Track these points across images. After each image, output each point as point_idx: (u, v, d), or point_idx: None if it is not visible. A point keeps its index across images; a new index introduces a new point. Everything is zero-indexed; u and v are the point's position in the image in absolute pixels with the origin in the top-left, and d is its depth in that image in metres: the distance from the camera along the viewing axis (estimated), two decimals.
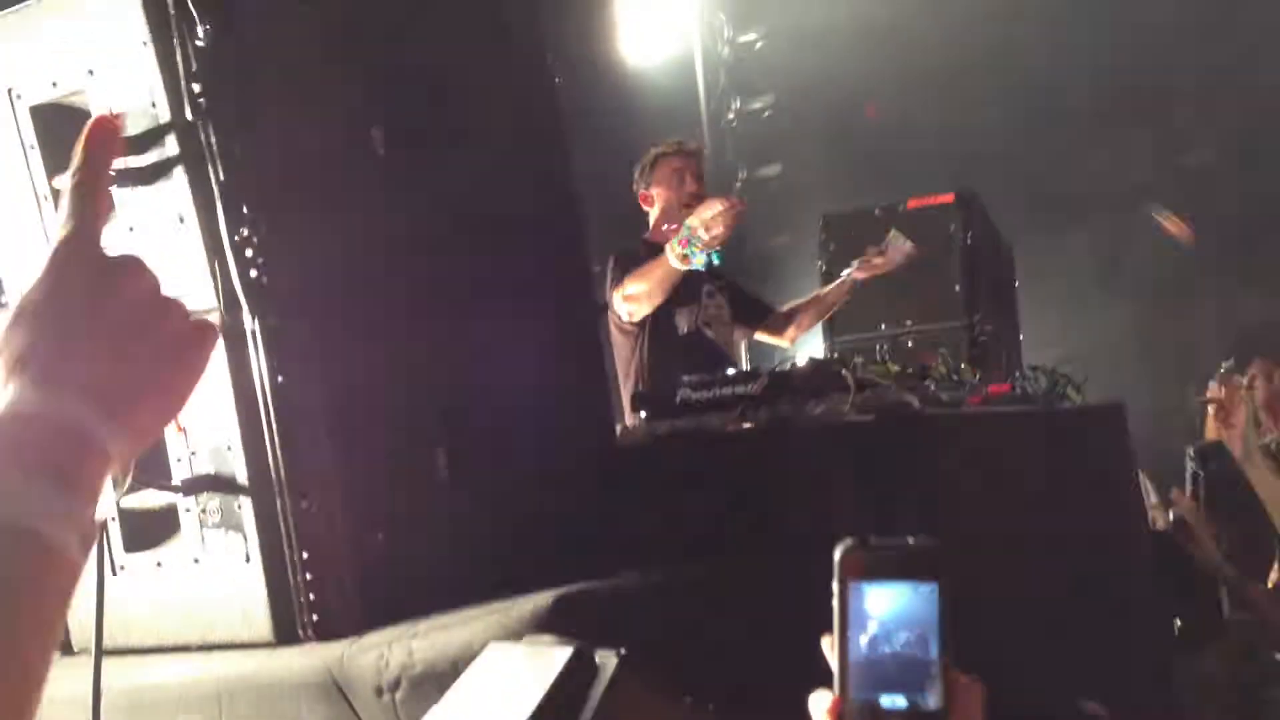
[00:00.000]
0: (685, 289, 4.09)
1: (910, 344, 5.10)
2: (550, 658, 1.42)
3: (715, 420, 2.64)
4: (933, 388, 3.00)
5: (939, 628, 0.79)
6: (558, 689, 1.37)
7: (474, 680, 1.48)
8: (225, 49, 1.74)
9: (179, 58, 1.73)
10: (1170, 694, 3.86)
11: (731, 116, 7.40)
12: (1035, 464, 3.10)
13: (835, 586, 0.80)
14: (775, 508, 2.09)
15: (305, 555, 1.75)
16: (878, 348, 4.73)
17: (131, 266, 0.69)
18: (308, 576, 1.76)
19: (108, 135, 0.73)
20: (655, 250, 4.03)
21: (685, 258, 3.78)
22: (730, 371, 3.51)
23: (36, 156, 1.87)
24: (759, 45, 7.38)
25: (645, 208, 4.29)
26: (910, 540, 0.81)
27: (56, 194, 1.87)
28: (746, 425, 2.55)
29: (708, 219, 3.77)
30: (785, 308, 4.62)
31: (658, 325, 4.01)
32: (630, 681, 1.43)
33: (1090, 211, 7.04)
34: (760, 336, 4.56)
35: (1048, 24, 6.78)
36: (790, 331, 4.52)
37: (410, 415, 1.93)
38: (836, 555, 0.81)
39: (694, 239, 3.77)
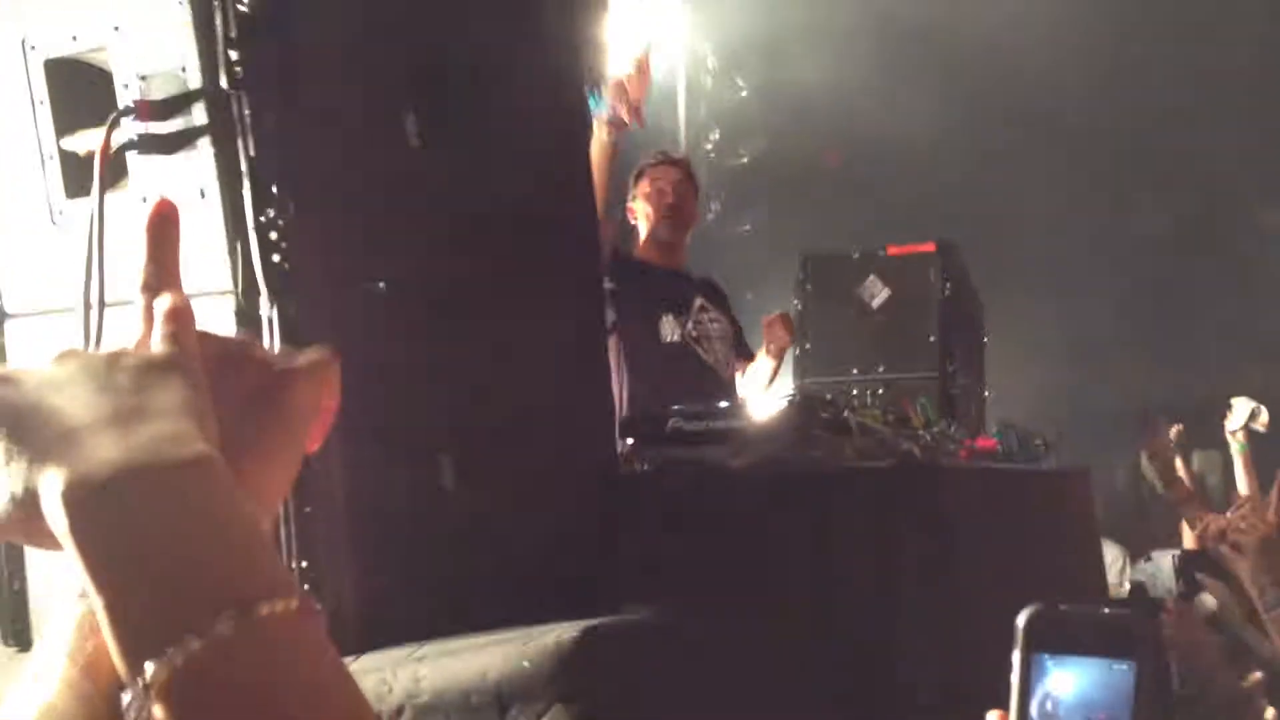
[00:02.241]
0: (670, 293, 3.91)
1: (881, 390, 5.06)
2: None
3: (712, 453, 2.56)
4: (927, 438, 2.96)
5: (1131, 711, 0.70)
6: None
7: None
8: (267, 16, 1.63)
9: (218, 21, 1.62)
10: None
11: (710, 147, 7.36)
12: (1022, 517, 3.07)
13: (1016, 656, 0.71)
14: (788, 548, 2.01)
15: (304, 564, 1.63)
16: (853, 392, 4.68)
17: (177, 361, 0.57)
18: (304, 587, 1.64)
19: (170, 223, 0.62)
20: (644, 267, 3.89)
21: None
22: (723, 404, 3.43)
23: (46, 113, 1.75)
24: (742, 86, 7.37)
25: (631, 221, 4.08)
26: (1106, 610, 0.71)
27: (64, 155, 1.75)
28: (745, 462, 2.48)
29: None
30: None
31: (639, 332, 3.77)
32: None
33: (1056, 272, 7.12)
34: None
35: (1048, 86, 6.86)
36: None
37: (419, 423, 1.82)
38: (1020, 621, 0.71)
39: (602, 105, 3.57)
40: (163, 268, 0.60)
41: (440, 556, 1.79)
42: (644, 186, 4.00)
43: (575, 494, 2.02)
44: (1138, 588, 4.37)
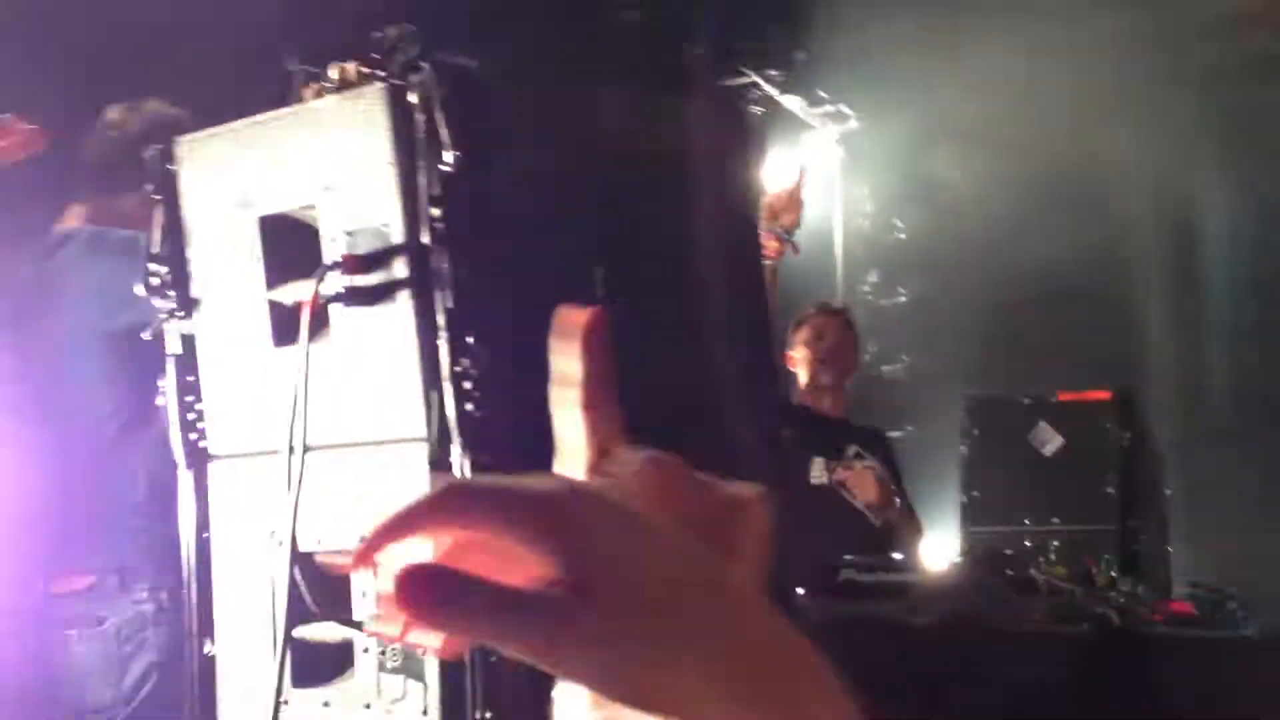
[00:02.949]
0: (823, 438, 3.89)
1: (1056, 544, 4.84)
2: None
3: (889, 608, 2.47)
4: (1120, 599, 2.80)
5: None
6: None
7: None
8: (469, 176, 1.70)
9: (420, 180, 1.70)
10: None
11: (868, 289, 7.34)
12: (1223, 689, 2.86)
13: None
14: (978, 713, 1.90)
15: (489, 715, 1.62)
16: (1028, 544, 4.48)
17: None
18: None
19: (599, 333, 0.50)
20: (801, 411, 3.90)
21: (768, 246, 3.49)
22: (897, 555, 3.34)
23: (259, 266, 1.84)
24: (899, 226, 7.38)
25: (790, 369, 4.15)
26: None
27: (273, 306, 1.84)
28: (927, 619, 2.38)
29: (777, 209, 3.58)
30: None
31: (789, 470, 3.71)
32: None
33: (1238, 424, 6.77)
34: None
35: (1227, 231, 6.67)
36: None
37: None
38: None
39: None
40: (596, 384, 0.50)
41: None
42: (803, 334, 4.11)
43: None
44: None
